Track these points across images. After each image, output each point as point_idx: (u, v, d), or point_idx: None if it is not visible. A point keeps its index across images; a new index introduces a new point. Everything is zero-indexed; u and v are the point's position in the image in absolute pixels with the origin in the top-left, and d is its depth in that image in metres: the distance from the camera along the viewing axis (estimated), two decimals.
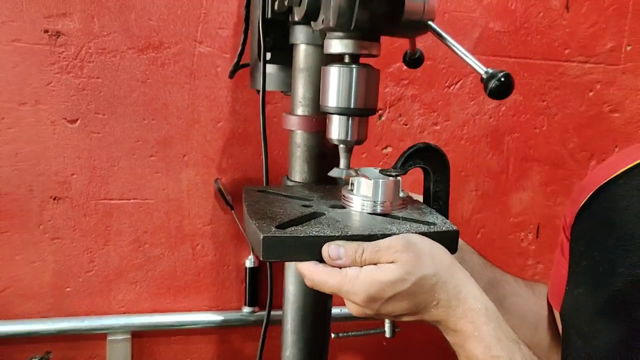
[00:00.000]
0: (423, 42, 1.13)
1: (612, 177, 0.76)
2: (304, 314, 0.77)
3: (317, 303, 0.77)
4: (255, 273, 1.11)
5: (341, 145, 0.60)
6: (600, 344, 0.64)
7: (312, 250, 0.51)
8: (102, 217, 1.05)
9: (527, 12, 1.17)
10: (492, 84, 0.53)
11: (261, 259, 0.50)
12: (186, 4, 1.01)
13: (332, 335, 0.68)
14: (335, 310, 0.81)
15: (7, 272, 1.04)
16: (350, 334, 0.66)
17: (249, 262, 1.10)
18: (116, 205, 1.06)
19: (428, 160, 0.61)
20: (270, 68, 0.78)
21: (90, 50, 0.99)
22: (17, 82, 0.97)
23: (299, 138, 0.73)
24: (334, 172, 0.60)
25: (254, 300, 1.12)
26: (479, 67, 0.55)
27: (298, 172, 0.74)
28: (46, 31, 0.97)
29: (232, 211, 1.08)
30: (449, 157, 1.18)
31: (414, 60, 0.72)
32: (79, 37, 0.98)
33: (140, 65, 1.01)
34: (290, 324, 0.78)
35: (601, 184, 0.76)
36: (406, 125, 1.16)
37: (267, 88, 0.76)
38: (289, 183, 0.74)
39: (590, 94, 1.24)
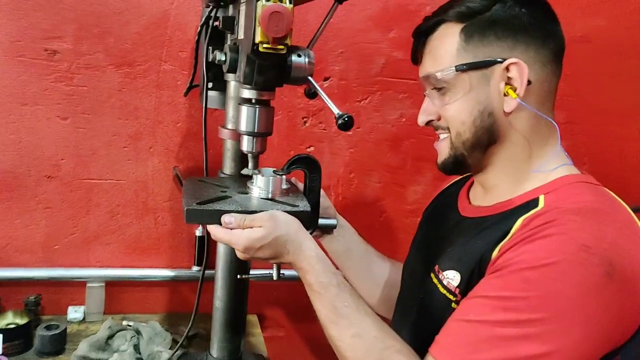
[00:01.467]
0: (338, 66, 1.47)
1: (446, 187, 1.13)
2: (230, 266, 1.10)
3: (239, 259, 1.10)
4: (203, 240, 1.43)
5: (249, 154, 0.93)
6: (419, 283, 0.99)
7: (216, 218, 0.83)
8: (85, 192, 1.36)
9: None
10: (340, 121, 0.86)
11: (185, 222, 0.83)
12: (154, 32, 1.32)
13: (238, 276, 1.02)
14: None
15: (8, 232, 1.34)
16: (249, 276, 1.00)
17: (199, 231, 1.43)
18: (96, 184, 1.37)
19: (305, 165, 0.94)
20: (212, 92, 1.10)
21: (79, 65, 1.29)
22: (21, 88, 1.27)
23: (229, 144, 1.06)
24: (244, 171, 0.94)
25: (202, 261, 1.45)
26: (334, 109, 0.88)
27: (228, 167, 1.07)
28: (45, 50, 1.26)
29: None
30: (357, 157, 1.53)
31: (311, 94, 1.05)
32: (71, 55, 1.28)
33: (117, 77, 1.32)
34: (220, 273, 1.11)
35: (441, 191, 1.13)
36: (325, 130, 1.50)
37: (210, 106, 1.08)
38: (221, 175, 1.07)
39: None
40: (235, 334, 1.14)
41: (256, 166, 0.95)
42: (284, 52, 0.78)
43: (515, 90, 0.79)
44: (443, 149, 0.89)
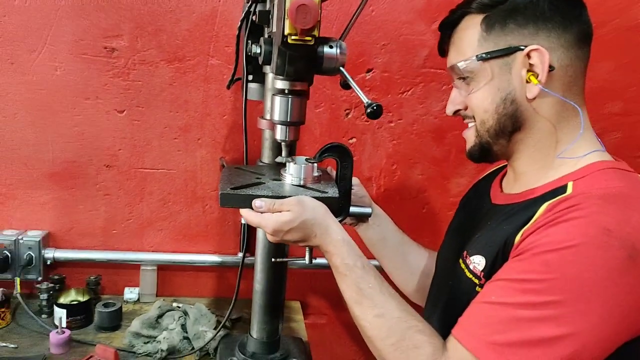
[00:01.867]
0: (381, 58, 1.48)
1: (482, 177, 1.13)
2: (268, 252, 1.14)
3: (277, 245, 1.14)
4: (248, 227, 1.50)
5: (283, 143, 0.97)
6: (450, 269, 1.00)
7: (247, 202, 0.88)
8: (139, 181, 1.46)
9: None
10: (369, 109, 0.88)
11: (219, 206, 0.89)
12: (202, 29, 1.39)
13: (272, 259, 1.06)
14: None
15: (72, 216, 1.46)
16: (283, 259, 1.04)
17: (244, 220, 1.49)
18: (149, 173, 1.46)
19: (337, 153, 0.97)
20: (253, 84, 1.15)
21: (134, 61, 1.38)
22: (84, 83, 1.38)
23: (267, 134, 1.10)
24: (278, 159, 0.98)
25: (247, 247, 1.51)
26: (364, 97, 0.90)
27: (266, 156, 1.12)
28: (105, 47, 1.36)
29: None
30: (400, 149, 1.53)
31: (345, 84, 1.08)
32: (127, 52, 1.37)
33: (168, 72, 1.40)
34: (260, 257, 1.16)
35: (478, 180, 1.14)
36: (367, 122, 1.51)
37: (250, 98, 1.13)
38: (260, 163, 1.12)
39: None
40: (273, 316, 1.18)
41: (290, 154, 0.99)
42: (312, 43, 0.81)
43: (537, 77, 0.79)
44: (470, 137, 0.91)
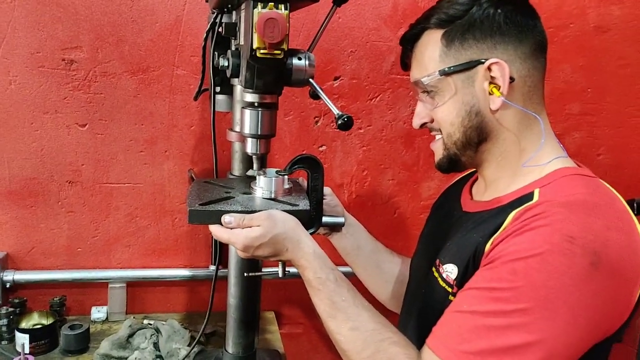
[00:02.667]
0: (349, 65, 1.48)
1: (452, 182, 1.14)
2: (241, 265, 1.12)
3: (250, 258, 1.12)
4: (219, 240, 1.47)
5: (254, 156, 0.95)
6: (423, 277, 1.00)
7: (216, 218, 0.85)
8: (105, 196, 1.41)
9: None
10: (340, 121, 0.88)
11: (188, 223, 0.86)
12: (166, 38, 1.35)
13: (245, 274, 1.04)
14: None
15: (33, 236, 1.40)
16: (256, 274, 1.02)
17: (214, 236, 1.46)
18: (115, 188, 1.41)
19: (307, 164, 0.95)
20: (220, 96, 1.12)
21: (95, 73, 1.33)
22: (42, 97, 1.32)
23: (237, 146, 1.08)
24: (249, 172, 0.96)
25: (219, 260, 1.48)
26: (334, 109, 0.89)
27: (236, 168, 1.10)
28: (63, 59, 1.31)
29: None
30: (370, 155, 1.53)
31: (314, 94, 1.06)
32: (87, 64, 1.32)
33: (132, 84, 1.36)
34: (233, 271, 1.13)
35: (448, 186, 1.15)
36: (337, 129, 1.50)
37: (219, 109, 1.11)
38: (230, 176, 1.10)
39: None
40: (249, 330, 1.16)
41: (261, 167, 0.97)
42: (281, 56, 0.80)
43: (499, 89, 0.81)
44: (437, 150, 0.92)
